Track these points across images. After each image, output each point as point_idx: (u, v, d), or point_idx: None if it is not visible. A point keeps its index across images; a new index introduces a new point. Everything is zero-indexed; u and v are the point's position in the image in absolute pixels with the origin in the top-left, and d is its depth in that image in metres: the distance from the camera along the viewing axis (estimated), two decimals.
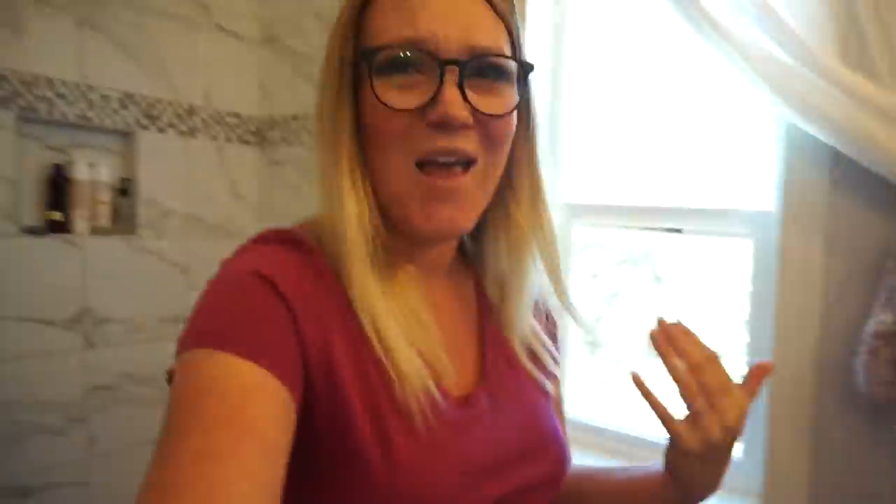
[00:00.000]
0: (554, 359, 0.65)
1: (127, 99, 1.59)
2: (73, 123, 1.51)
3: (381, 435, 0.49)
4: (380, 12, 0.52)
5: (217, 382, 0.43)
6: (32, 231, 1.47)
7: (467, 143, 0.51)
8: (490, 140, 0.53)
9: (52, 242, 1.48)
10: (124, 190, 1.64)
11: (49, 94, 1.45)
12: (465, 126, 0.50)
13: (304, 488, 0.49)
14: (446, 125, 0.49)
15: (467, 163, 0.52)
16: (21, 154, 1.44)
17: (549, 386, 0.64)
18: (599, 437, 1.43)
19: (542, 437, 0.60)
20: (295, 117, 1.81)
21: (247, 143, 1.89)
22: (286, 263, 0.51)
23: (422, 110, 0.50)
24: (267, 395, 0.43)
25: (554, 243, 0.61)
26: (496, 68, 0.52)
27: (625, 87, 1.41)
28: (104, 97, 1.54)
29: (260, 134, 1.90)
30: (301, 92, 1.80)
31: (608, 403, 1.48)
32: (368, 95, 0.51)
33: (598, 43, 1.45)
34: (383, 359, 0.50)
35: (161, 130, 1.67)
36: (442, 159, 0.51)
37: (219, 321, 0.47)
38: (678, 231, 1.35)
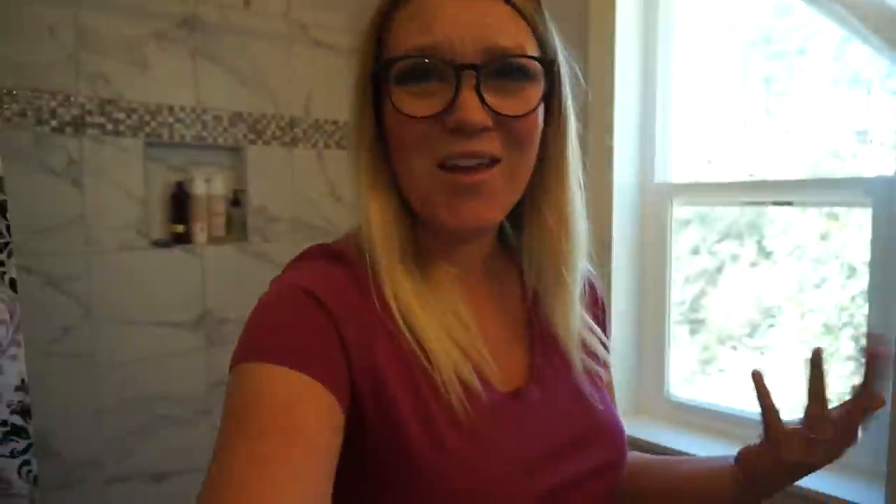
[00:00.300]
0: (604, 345, 0.66)
1: (236, 117, 1.70)
2: (190, 144, 1.64)
3: (430, 432, 0.50)
4: (398, 24, 0.53)
5: (265, 392, 0.45)
6: (160, 244, 1.62)
7: (488, 145, 0.51)
8: (513, 140, 0.52)
9: (176, 253, 1.64)
10: (236, 201, 1.77)
11: (170, 119, 1.59)
12: (485, 129, 0.50)
13: (356, 489, 0.51)
14: (464, 130, 0.50)
15: (491, 161, 0.52)
16: (148, 175, 1.59)
17: (601, 372, 0.64)
18: (703, 417, 1.41)
19: (597, 425, 0.60)
20: None
21: (344, 147, 1.97)
22: (327, 276, 0.53)
23: (440, 116, 0.50)
24: (313, 401, 0.46)
25: (575, 245, 0.59)
26: (515, 69, 0.51)
27: (726, 58, 1.35)
28: (216, 118, 1.67)
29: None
30: None
31: (712, 383, 1.47)
32: (389, 108, 0.52)
33: (696, 9, 1.39)
34: (423, 357, 0.51)
35: (266, 143, 1.78)
36: (463, 162, 0.51)
37: (265, 335, 0.49)
38: (788, 204, 1.30)
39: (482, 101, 0.49)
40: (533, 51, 0.53)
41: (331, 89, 1.91)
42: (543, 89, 0.53)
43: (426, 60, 0.50)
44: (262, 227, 1.80)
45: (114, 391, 1.53)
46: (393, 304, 0.52)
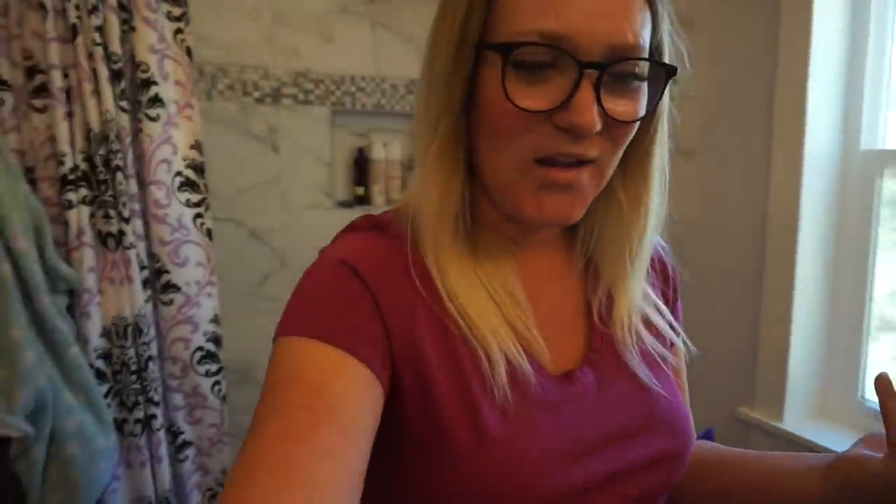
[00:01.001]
0: (672, 327, 0.61)
1: (411, 84, 1.79)
2: (370, 111, 1.76)
3: (470, 413, 0.48)
4: None
5: (298, 367, 0.45)
6: (344, 204, 1.79)
7: (592, 148, 0.48)
8: (614, 142, 0.49)
9: (357, 213, 1.78)
10: (411, 165, 1.87)
11: (352, 88, 1.72)
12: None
13: (393, 469, 0.51)
14: (576, 133, 0.46)
15: (588, 161, 0.49)
16: (334, 141, 1.75)
17: (668, 356, 0.59)
18: None
19: (657, 413, 0.56)
20: None
21: None
22: (371, 249, 0.52)
23: (553, 109, 0.46)
24: (347, 377, 0.45)
25: (646, 221, 0.56)
26: (636, 72, 0.48)
27: None
28: (393, 86, 1.76)
29: None
30: None
31: None
32: (491, 87, 0.48)
33: None
34: (468, 334, 0.50)
35: None
36: (561, 159, 0.48)
37: (304, 309, 0.49)
38: None
39: (598, 101, 0.46)
40: (649, 42, 0.49)
41: None
42: (661, 91, 0.50)
43: (550, 51, 0.45)
44: None
45: None
46: (437, 277, 0.51)
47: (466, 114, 0.51)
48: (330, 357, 0.45)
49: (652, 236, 0.57)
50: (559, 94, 0.46)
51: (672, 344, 0.62)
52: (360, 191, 1.79)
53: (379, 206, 1.79)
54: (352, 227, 0.58)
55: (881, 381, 0.50)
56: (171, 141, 1.37)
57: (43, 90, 1.25)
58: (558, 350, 0.56)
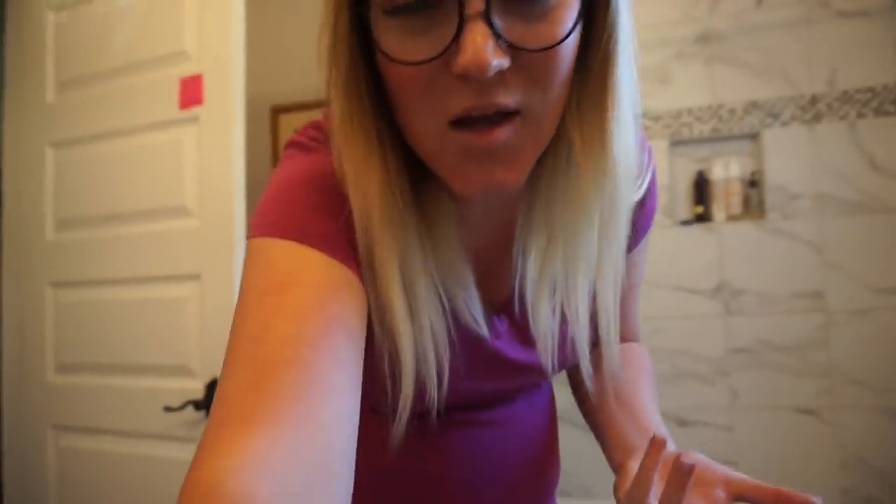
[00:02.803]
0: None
1: (750, 106, 1.86)
2: (708, 137, 1.91)
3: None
4: None
5: (300, 273, 0.41)
6: (684, 223, 1.96)
7: (507, 95, 0.39)
8: (538, 79, 0.39)
9: (697, 230, 1.93)
10: (753, 182, 1.92)
11: (689, 119, 1.90)
12: (501, 71, 0.37)
13: None
14: (473, 77, 0.37)
15: (508, 114, 0.40)
16: (673, 167, 1.94)
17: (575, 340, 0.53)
18: None
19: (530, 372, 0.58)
20: None
21: (886, 114, 1.82)
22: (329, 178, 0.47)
23: (444, 58, 0.38)
24: (349, 287, 0.42)
25: (618, 215, 0.46)
26: None
27: None
28: (730, 111, 1.87)
29: None
30: None
31: None
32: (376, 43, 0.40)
33: None
34: (392, 343, 0.45)
35: (784, 125, 1.86)
36: (477, 116, 0.39)
37: (298, 215, 0.44)
38: None
39: (495, 34, 0.36)
40: None
41: (860, 58, 1.82)
42: (579, 5, 0.39)
43: None
44: (781, 205, 1.89)
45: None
46: (381, 276, 0.44)
47: (378, 86, 0.43)
48: (335, 270, 0.42)
49: (623, 200, 0.47)
50: (446, 34, 0.37)
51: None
52: (700, 209, 1.93)
53: (719, 222, 1.90)
54: (303, 147, 0.51)
55: (654, 446, 0.47)
56: None
57: None
58: (487, 286, 0.53)
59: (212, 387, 1.38)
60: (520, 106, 0.39)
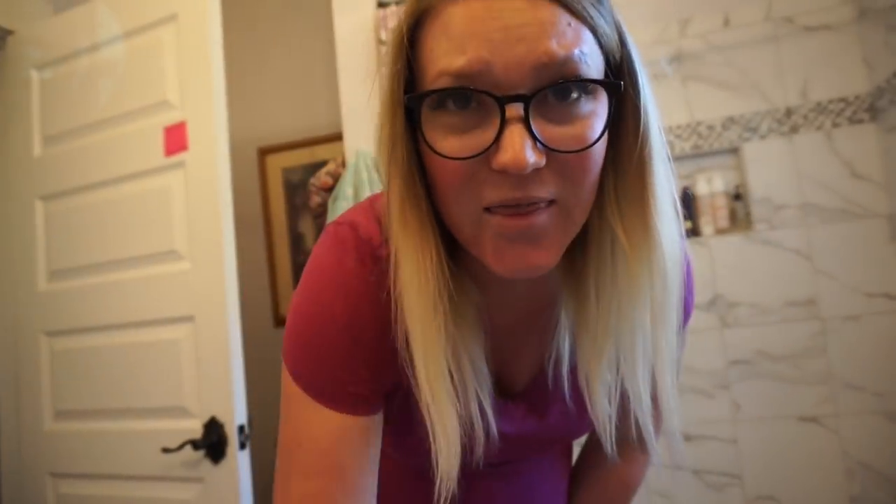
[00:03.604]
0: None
1: (728, 122, 1.90)
2: (689, 154, 1.94)
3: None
4: (428, 37, 0.44)
5: (312, 433, 0.52)
6: None
7: (541, 188, 0.43)
8: (569, 176, 0.43)
9: (687, 245, 1.94)
10: (738, 195, 1.95)
11: (670, 138, 1.94)
12: (537, 168, 0.42)
13: None
14: (511, 173, 0.41)
15: (544, 203, 0.44)
16: None
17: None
18: None
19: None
20: None
21: (858, 122, 1.87)
22: (364, 298, 0.52)
23: (486, 156, 0.42)
24: (353, 438, 0.53)
25: (669, 299, 0.48)
26: (577, 93, 0.42)
27: None
28: (709, 127, 1.91)
29: (872, 109, 1.85)
30: None
31: None
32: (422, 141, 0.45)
33: None
34: (428, 420, 0.50)
35: (763, 137, 1.90)
36: (512, 206, 0.43)
37: (307, 364, 0.53)
38: None
39: (532, 136, 0.41)
40: (594, 58, 0.43)
41: (830, 69, 1.86)
42: (609, 111, 0.44)
43: (462, 92, 0.42)
44: (767, 216, 1.91)
45: None
46: (413, 350, 0.49)
47: (424, 178, 0.48)
48: (336, 422, 0.52)
49: (673, 284, 0.49)
50: (488, 133, 0.42)
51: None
52: (688, 224, 1.95)
53: (707, 235, 1.92)
54: (344, 245, 0.53)
55: None
56: None
57: None
58: (508, 374, 0.60)
59: (209, 426, 1.38)
60: (553, 197, 0.44)
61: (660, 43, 1.94)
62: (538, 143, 0.41)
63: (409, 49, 0.46)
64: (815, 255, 1.86)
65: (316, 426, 0.52)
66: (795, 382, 1.84)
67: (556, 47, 0.41)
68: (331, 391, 0.52)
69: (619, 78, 0.46)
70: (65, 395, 1.62)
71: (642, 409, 0.52)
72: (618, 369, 0.52)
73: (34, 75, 1.75)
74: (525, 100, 0.40)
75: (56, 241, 1.68)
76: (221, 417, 1.38)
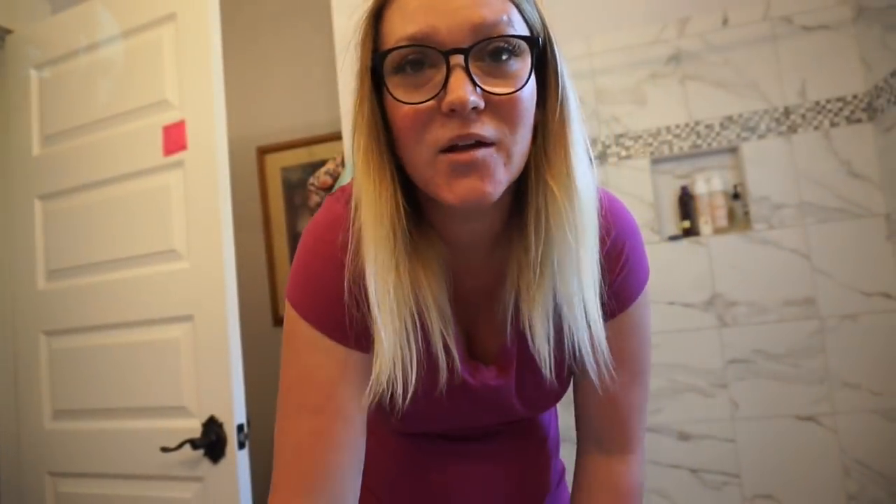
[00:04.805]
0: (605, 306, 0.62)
1: (727, 121, 1.91)
2: (688, 153, 1.95)
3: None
4: (388, 16, 0.55)
5: (315, 371, 0.60)
6: (672, 238, 1.98)
7: (483, 128, 0.52)
8: (506, 119, 0.53)
9: (685, 244, 1.95)
10: (736, 194, 1.95)
11: (669, 137, 1.93)
12: (477, 109, 0.51)
13: None
14: (457, 111, 0.51)
15: (488, 143, 0.53)
16: (656, 184, 1.98)
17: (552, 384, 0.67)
18: None
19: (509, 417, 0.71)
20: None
21: (856, 121, 1.87)
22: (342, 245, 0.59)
23: (436, 102, 0.52)
24: (351, 376, 0.60)
25: (582, 209, 0.57)
26: (503, 48, 0.52)
27: None
28: (708, 126, 1.91)
29: (870, 109, 1.85)
30: None
31: None
32: (387, 96, 0.55)
33: None
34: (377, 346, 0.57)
35: (761, 137, 1.90)
36: (461, 143, 0.52)
37: (310, 297, 0.61)
38: None
39: (472, 81, 0.51)
40: (520, 26, 0.54)
41: (828, 68, 1.87)
42: (531, 65, 0.54)
43: (416, 50, 0.52)
44: (766, 216, 1.92)
45: None
46: (370, 288, 0.56)
47: (388, 138, 0.58)
48: (338, 358, 0.60)
49: (587, 219, 0.58)
50: (438, 84, 0.52)
51: (569, 372, 0.70)
52: (687, 224, 1.95)
53: (706, 235, 1.93)
54: (330, 213, 0.64)
55: None
56: None
57: None
58: (478, 340, 0.68)
59: (208, 425, 1.38)
60: (494, 139, 0.53)
61: (659, 42, 1.95)
62: (477, 88, 0.51)
63: (374, 24, 0.56)
64: (814, 254, 1.86)
65: (323, 361, 0.60)
66: (793, 381, 1.84)
67: (487, 13, 0.51)
68: (335, 324, 0.59)
69: (541, 47, 0.56)
70: (64, 394, 1.62)
71: (579, 330, 0.60)
72: (554, 305, 0.61)
73: (33, 75, 1.75)
74: (465, 52, 0.51)
75: (55, 240, 1.68)
76: (220, 417, 1.38)
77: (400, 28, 0.53)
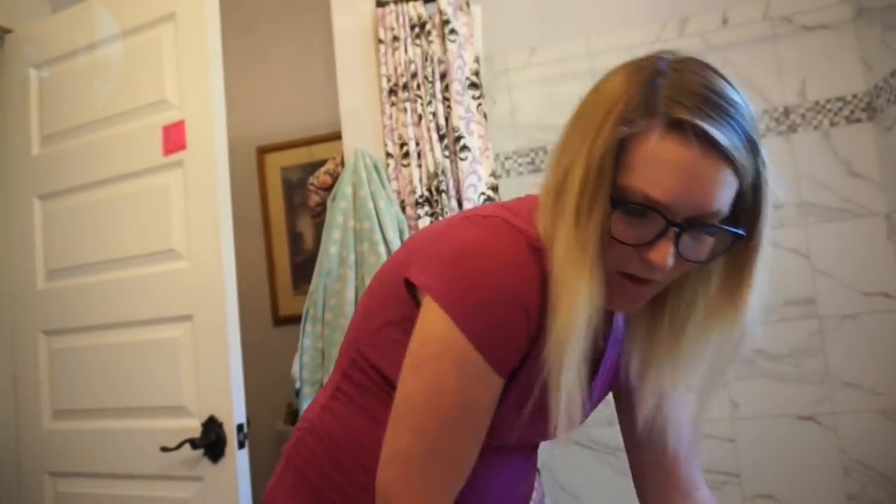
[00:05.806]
0: None
1: None
2: None
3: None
4: (638, 156, 0.58)
5: (478, 398, 0.64)
6: None
7: (663, 277, 0.63)
8: (680, 272, 0.64)
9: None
10: None
11: None
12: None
13: None
14: (652, 266, 0.60)
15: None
16: None
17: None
18: None
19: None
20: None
21: (856, 121, 1.87)
22: (530, 276, 0.64)
23: (641, 246, 0.60)
24: (493, 399, 0.66)
25: (734, 355, 0.68)
26: (711, 232, 0.60)
27: None
28: None
29: (870, 108, 1.85)
30: None
31: None
32: (605, 218, 0.61)
33: None
34: (552, 387, 0.63)
35: (761, 136, 1.90)
36: (636, 276, 0.63)
37: (479, 318, 0.62)
38: None
39: (677, 250, 0.59)
40: (731, 196, 0.59)
41: (828, 68, 1.87)
42: (728, 244, 0.62)
43: (649, 211, 0.59)
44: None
45: None
46: (552, 339, 0.62)
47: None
48: (493, 386, 0.65)
49: (735, 358, 0.70)
50: (649, 235, 0.59)
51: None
52: None
53: None
54: (505, 229, 0.67)
55: None
56: (476, 173, 1.73)
57: (406, 155, 1.77)
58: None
59: (208, 425, 1.38)
60: (661, 280, 0.63)
61: (658, 42, 1.94)
62: (676, 255, 0.60)
63: (617, 153, 0.59)
64: (813, 254, 1.86)
65: (482, 389, 0.64)
66: (793, 381, 1.84)
67: (720, 204, 0.58)
68: (501, 359, 0.64)
69: (745, 199, 0.61)
70: (63, 393, 1.61)
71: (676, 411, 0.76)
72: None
73: (32, 74, 1.74)
74: (681, 228, 0.58)
75: (54, 239, 1.67)
76: (220, 416, 1.38)
77: (645, 182, 0.58)
